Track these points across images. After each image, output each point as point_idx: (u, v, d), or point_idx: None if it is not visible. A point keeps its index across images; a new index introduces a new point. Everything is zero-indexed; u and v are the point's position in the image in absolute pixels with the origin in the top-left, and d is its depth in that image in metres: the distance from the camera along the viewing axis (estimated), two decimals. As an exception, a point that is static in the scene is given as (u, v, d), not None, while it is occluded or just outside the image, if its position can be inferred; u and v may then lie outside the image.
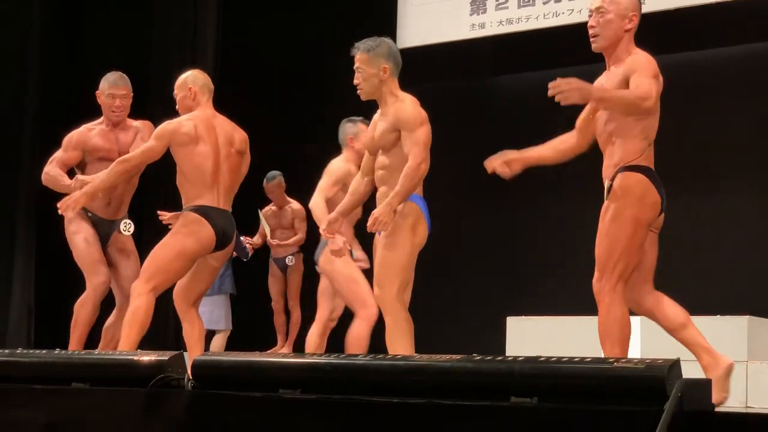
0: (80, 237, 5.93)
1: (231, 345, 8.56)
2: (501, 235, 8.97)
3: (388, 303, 4.86)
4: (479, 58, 9.24)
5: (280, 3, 10.16)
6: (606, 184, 4.40)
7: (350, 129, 6.43)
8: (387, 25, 9.25)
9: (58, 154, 6.04)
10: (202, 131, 5.48)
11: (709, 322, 6.75)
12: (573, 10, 8.43)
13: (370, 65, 5.05)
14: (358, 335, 5.93)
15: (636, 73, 4.31)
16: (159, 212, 5.64)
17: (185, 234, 5.41)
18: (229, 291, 8.51)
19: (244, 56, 10.17)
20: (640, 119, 4.34)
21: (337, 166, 6.32)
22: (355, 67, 5.08)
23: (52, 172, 5.99)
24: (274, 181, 8.75)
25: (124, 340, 5.33)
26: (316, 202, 6.14)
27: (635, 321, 6.74)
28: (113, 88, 6.00)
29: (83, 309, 5.87)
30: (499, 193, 9.00)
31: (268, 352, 7.91)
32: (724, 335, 6.62)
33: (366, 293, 5.86)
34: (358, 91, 5.09)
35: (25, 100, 9.78)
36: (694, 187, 7.85)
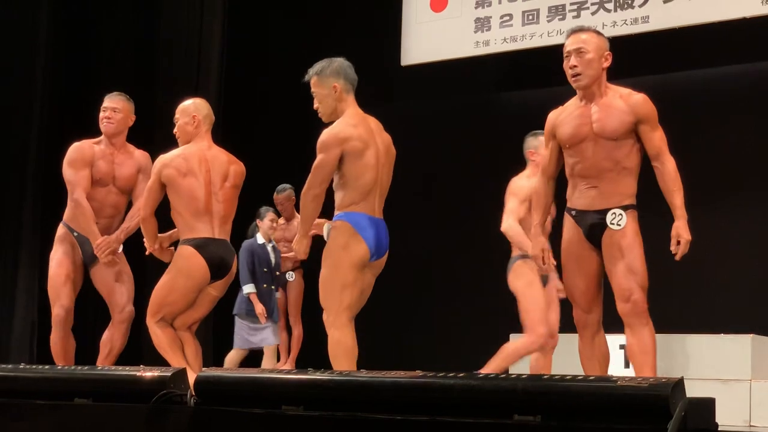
0: (53, 262, 5.95)
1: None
2: (507, 250, 8.95)
3: (328, 324, 4.89)
4: (483, 76, 9.25)
5: (285, 24, 10.18)
6: (615, 211, 4.57)
7: (531, 143, 6.37)
8: (391, 43, 9.29)
9: (74, 179, 5.92)
10: (193, 164, 5.49)
11: (712, 340, 6.75)
12: (577, 28, 8.45)
13: (321, 87, 5.06)
14: (516, 350, 6.14)
15: (647, 125, 4.57)
16: (147, 249, 5.65)
17: (177, 271, 5.47)
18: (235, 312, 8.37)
19: (249, 74, 10.20)
20: (640, 158, 4.63)
21: (520, 184, 6.23)
22: (311, 92, 5.10)
23: (86, 205, 5.88)
24: (285, 193, 8.76)
25: (173, 364, 5.39)
26: (511, 225, 6.11)
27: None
28: (107, 100, 6.06)
29: (54, 344, 5.90)
30: (503, 207, 9.02)
31: (271, 368, 7.88)
32: (728, 354, 6.61)
33: (537, 321, 6.03)
34: (319, 115, 5.10)
35: (32, 117, 9.78)
36: (697, 205, 7.85)
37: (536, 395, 3.22)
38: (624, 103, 4.58)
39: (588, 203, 4.61)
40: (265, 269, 8.17)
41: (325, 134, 4.92)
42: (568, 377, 3.22)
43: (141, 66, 10.06)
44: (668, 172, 4.54)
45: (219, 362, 8.74)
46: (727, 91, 8.09)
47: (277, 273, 8.30)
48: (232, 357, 8.19)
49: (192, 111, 5.64)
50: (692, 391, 3.07)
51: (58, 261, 5.95)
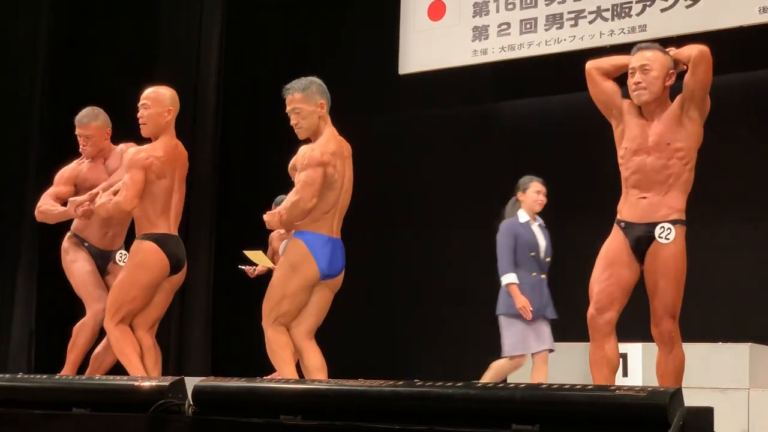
0: (79, 265, 5.99)
1: (226, 371, 8.53)
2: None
3: (264, 328, 5.15)
4: (481, 84, 9.27)
5: (283, 32, 10.19)
6: (664, 225, 4.64)
7: None
8: (389, 52, 9.30)
9: (50, 190, 6.12)
10: (167, 168, 5.57)
11: (710, 348, 6.75)
12: (575, 36, 8.45)
13: (307, 103, 5.13)
14: None
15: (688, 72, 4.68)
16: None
17: (137, 264, 5.55)
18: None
19: (246, 82, 10.21)
20: (692, 177, 4.73)
21: None
22: (289, 109, 5.16)
23: (43, 206, 6.05)
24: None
25: (130, 369, 5.50)
26: None
27: (637, 347, 6.75)
28: (77, 125, 6.12)
29: (82, 333, 5.93)
30: (503, 215, 9.02)
31: (268, 377, 7.86)
32: (726, 362, 6.61)
33: None
34: (297, 131, 5.18)
35: (31, 127, 9.80)
36: (696, 214, 7.85)
37: (534, 404, 3.22)
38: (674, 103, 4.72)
39: (638, 215, 4.70)
40: (532, 253, 6.92)
41: (315, 151, 5.06)
42: (566, 386, 3.22)
43: (140, 73, 10.07)
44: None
45: (217, 371, 8.74)
46: (725, 100, 8.07)
47: (547, 259, 7.00)
48: (503, 366, 6.88)
49: (168, 103, 5.63)
50: (690, 400, 3.07)
51: (87, 266, 5.99)
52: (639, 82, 4.69)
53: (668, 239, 4.61)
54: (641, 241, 4.68)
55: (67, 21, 10.20)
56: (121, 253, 6.09)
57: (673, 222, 4.64)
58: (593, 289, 4.77)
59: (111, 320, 5.54)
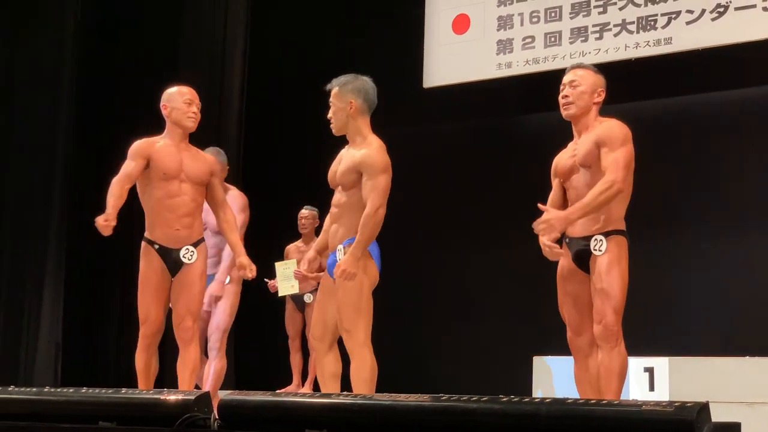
0: (140, 279, 5.73)
1: (241, 383, 8.54)
2: (528, 273, 8.93)
3: (357, 348, 4.94)
4: (506, 98, 9.26)
5: (307, 44, 10.22)
6: (597, 237, 4.71)
7: None
8: (413, 65, 9.31)
9: (126, 163, 5.70)
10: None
11: (737, 363, 6.71)
12: (600, 49, 8.44)
13: (339, 99, 5.14)
14: None
15: (606, 147, 4.69)
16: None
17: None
18: None
19: (270, 93, 10.25)
20: (627, 183, 4.73)
21: None
22: (329, 101, 5.20)
23: (113, 187, 5.58)
24: (311, 212, 8.70)
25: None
26: None
27: (664, 361, 6.72)
28: (182, 93, 5.89)
29: (137, 361, 5.74)
30: (526, 230, 9.00)
31: (282, 390, 7.86)
32: (754, 376, 6.57)
33: None
34: (330, 126, 5.20)
35: (58, 140, 9.84)
36: (723, 228, 7.81)
37: (560, 419, 3.21)
38: (594, 130, 4.77)
39: (576, 230, 4.79)
40: None
41: (374, 157, 5.01)
42: (592, 401, 3.21)
43: (163, 83, 10.11)
44: (595, 188, 4.62)
45: (240, 385, 8.76)
46: (752, 113, 8.05)
47: None
48: None
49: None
50: (717, 414, 3.05)
51: (144, 280, 5.70)
52: (566, 96, 4.83)
53: (601, 251, 4.69)
54: (581, 254, 4.79)
55: (92, 39, 10.27)
56: (186, 249, 5.72)
57: (607, 234, 4.70)
58: (562, 313, 4.91)
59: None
